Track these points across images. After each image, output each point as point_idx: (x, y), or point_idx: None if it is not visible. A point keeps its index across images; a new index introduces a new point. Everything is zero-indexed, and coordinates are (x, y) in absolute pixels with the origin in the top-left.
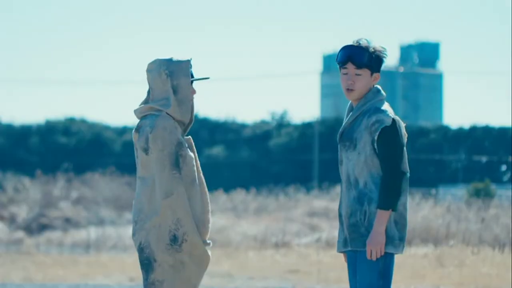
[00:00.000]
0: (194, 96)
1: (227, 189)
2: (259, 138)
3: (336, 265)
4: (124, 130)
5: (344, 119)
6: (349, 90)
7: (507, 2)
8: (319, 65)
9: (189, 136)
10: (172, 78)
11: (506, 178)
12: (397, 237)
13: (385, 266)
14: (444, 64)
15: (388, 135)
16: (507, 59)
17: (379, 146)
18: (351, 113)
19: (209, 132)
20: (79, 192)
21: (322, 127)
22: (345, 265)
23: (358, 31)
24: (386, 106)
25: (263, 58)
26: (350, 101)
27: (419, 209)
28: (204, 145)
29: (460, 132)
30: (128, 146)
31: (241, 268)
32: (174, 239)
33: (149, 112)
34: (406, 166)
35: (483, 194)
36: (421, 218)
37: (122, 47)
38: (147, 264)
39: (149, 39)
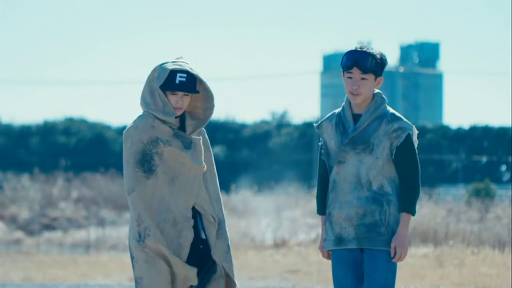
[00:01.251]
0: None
1: (227, 189)
2: (259, 138)
3: None
4: (124, 130)
5: (347, 120)
6: (354, 94)
7: (508, 2)
8: (319, 65)
9: (200, 137)
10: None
11: (506, 178)
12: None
13: (396, 265)
14: (444, 64)
15: (411, 143)
16: (507, 59)
17: (402, 152)
18: (363, 117)
19: (209, 132)
20: (79, 192)
21: None
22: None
23: (358, 31)
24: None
25: (263, 58)
26: (336, 110)
27: (419, 209)
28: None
29: (460, 132)
30: None
31: (241, 268)
32: (138, 235)
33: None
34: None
35: (483, 194)
36: (421, 218)
37: (122, 47)
38: (131, 261)
39: (149, 39)
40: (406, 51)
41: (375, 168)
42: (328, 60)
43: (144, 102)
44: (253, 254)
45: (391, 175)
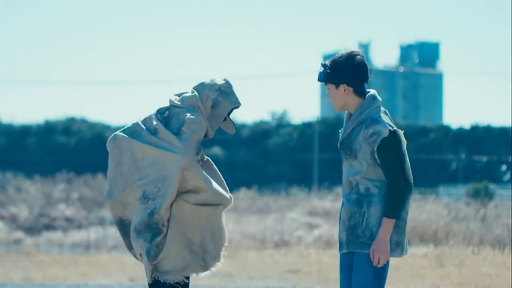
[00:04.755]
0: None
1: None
2: (259, 138)
3: (336, 265)
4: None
5: (344, 124)
6: None
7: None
8: (319, 65)
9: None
10: None
11: (506, 178)
12: (393, 241)
13: (379, 268)
14: (444, 64)
15: (387, 146)
16: (507, 59)
17: (380, 157)
18: (349, 122)
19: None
20: (80, 192)
21: (322, 127)
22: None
23: (358, 31)
24: (382, 115)
25: (263, 58)
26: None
27: (419, 209)
28: (203, 145)
29: (461, 132)
30: None
31: (241, 268)
32: None
33: None
34: (408, 173)
35: (483, 195)
36: (421, 218)
37: (123, 47)
38: None
39: (149, 39)
40: (406, 51)
41: (361, 172)
42: None
43: (200, 101)
44: (253, 254)
45: (380, 178)
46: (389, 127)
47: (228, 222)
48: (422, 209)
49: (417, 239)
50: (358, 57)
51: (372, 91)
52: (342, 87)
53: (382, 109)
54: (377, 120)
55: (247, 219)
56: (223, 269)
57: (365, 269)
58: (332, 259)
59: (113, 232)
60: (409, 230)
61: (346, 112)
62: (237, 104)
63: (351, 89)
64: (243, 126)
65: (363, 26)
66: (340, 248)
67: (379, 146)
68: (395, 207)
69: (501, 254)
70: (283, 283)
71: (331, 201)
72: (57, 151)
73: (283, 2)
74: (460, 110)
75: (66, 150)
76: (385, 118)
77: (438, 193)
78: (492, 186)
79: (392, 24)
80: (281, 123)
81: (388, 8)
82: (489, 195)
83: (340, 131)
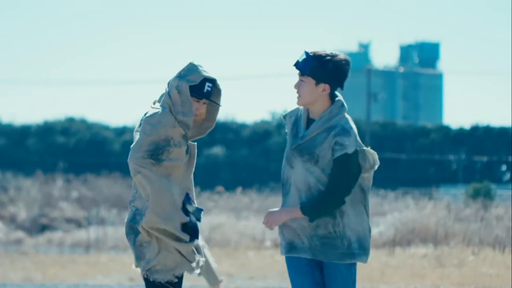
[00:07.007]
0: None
1: (227, 189)
2: (259, 138)
3: None
4: (123, 130)
5: (302, 125)
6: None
7: (508, 2)
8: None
9: (195, 143)
10: None
11: (506, 178)
12: (356, 248)
13: (354, 275)
14: (444, 64)
15: (344, 163)
16: (507, 59)
17: (334, 167)
18: (313, 126)
19: (209, 132)
20: (79, 192)
21: None
22: None
23: (358, 31)
24: (353, 126)
25: (263, 58)
26: (301, 108)
27: (419, 209)
28: (204, 145)
29: (461, 132)
30: (128, 146)
31: (241, 268)
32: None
33: None
34: (349, 193)
35: (483, 195)
36: (421, 218)
37: (122, 47)
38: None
39: (149, 39)
40: (406, 51)
41: (323, 179)
42: None
43: (168, 97)
44: (253, 254)
45: None
46: (357, 147)
47: (228, 222)
48: (422, 210)
49: (417, 239)
50: (346, 62)
51: (340, 97)
52: (323, 86)
53: (349, 117)
54: (348, 133)
55: (247, 219)
56: (223, 269)
57: (345, 280)
58: None
59: (113, 232)
60: (409, 230)
61: (305, 112)
62: (193, 82)
63: (328, 91)
64: (243, 126)
65: (363, 26)
66: (295, 251)
67: (337, 158)
68: (317, 210)
69: (501, 254)
70: (283, 283)
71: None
72: (57, 151)
73: (283, 2)
74: (460, 110)
75: (66, 150)
76: (356, 133)
77: (438, 194)
78: (492, 186)
79: (392, 24)
80: (281, 123)
81: (388, 8)
82: (490, 196)
83: (286, 130)
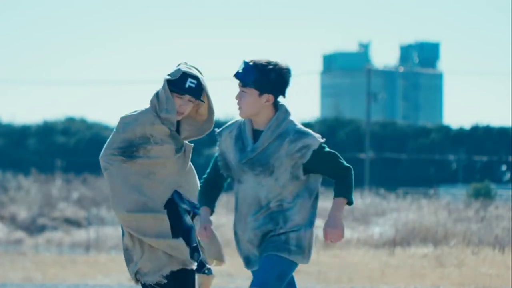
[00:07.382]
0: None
1: (226, 189)
2: None
3: (336, 265)
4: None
5: (233, 139)
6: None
7: (508, 2)
8: (319, 65)
9: (192, 144)
10: None
11: (506, 178)
12: (294, 245)
13: (287, 272)
14: (444, 64)
15: (320, 154)
16: (507, 59)
17: (316, 165)
18: (263, 136)
19: (209, 132)
20: (79, 192)
21: (322, 127)
22: (344, 264)
23: (358, 31)
24: (302, 127)
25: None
26: (241, 120)
27: (419, 209)
28: (204, 146)
29: (461, 132)
30: None
31: (241, 268)
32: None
33: None
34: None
35: (483, 195)
36: (421, 218)
37: (122, 47)
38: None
39: (149, 39)
40: (406, 51)
41: (275, 190)
42: (328, 60)
43: (155, 96)
44: None
45: (296, 191)
46: (319, 139)
47: (227, 222)
48: (422, 210)
49: (417, 239)
50: (288, 70)
51: (282, 101)
52: (266, 96)
53: (294, 119)
54: (304, 133)
55: None
56: (223, 269)
57: (271, 267)
58: (332, 259)
59: (113, 232)
60: (409, 230)
61: (248, 123)
62: (173, 77)
63: (272, 100)
64: None
65: (363, 26)
66: (250, 265)
67: (311, 159)
68: (350, 192)
69: (501, 254)
70: None
71: (331, 201)
72: (57, 151)
73: (283, 2)
74: (460, 110)
75: (66, 150)
76: (310, 130)
77: (438, 194)
78: (492, 186)
79: (392, 24)
80: None
81: (388, 8)
82: (490, 196)
83: (221, 147)
